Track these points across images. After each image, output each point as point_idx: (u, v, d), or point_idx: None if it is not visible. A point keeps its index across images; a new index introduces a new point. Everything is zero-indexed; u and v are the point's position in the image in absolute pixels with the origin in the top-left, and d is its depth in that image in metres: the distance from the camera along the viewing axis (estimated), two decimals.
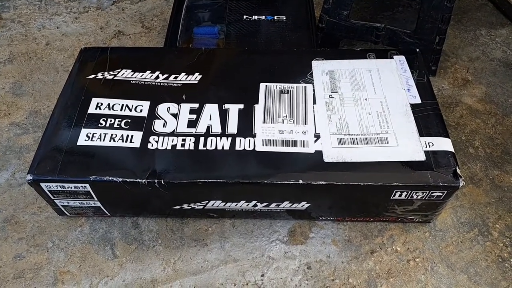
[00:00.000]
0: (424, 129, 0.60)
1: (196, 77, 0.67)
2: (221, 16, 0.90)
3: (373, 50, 0.72)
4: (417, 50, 0.72)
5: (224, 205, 0.59)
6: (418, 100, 0.64)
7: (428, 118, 0.62)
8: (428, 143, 0.59)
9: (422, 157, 0.57)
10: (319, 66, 0.69)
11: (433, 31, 0.81)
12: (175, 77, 0.67)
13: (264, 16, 0.86)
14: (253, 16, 0.86)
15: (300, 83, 0.67)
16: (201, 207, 0.60)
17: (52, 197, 0.58)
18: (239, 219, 0.64)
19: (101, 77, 0.66)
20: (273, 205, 0.59)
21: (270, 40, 0.82)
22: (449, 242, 0.63)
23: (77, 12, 1.02)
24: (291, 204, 0.59)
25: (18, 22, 0.99)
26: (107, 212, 0.62)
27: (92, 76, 0.66)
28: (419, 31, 0.82)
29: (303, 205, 0.59)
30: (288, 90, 0.66)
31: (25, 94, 0.83)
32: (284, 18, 0.86)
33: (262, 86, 0.66)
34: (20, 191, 0.68)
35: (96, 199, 0.58)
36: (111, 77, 0.66)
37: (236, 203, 0.59)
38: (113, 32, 0.97)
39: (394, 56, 0.70)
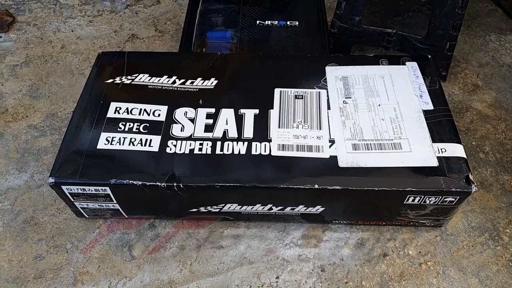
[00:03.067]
0: (437, 135, 0.61)
1: (212, 82, 0.69)
2: (234, 21, 0.92)
3: (385, 56, 0.73)
4: (429, 56, 0.73)
5: (240, 208, 0.61)
6: (430, 107, 0.65)
7: (440, 124, 0.63)
8: (441, 149, 0.60)
9: (435, 163, 0.58)
10: (332, 72, 0.70)
11: (444, 38, 0.82)
12: (192, 82, 0.68)
13: (277, 21, 0.87)
14: (266, 21, 0.87)
15: (314, 88, 0.68)
16: (218, 210, 0.61)
17: (72, 199, 0.59)
18: (253, 222, 0.66)
19: (119, 81, 0.68)
20: (288, 208, 0.60)
21: (283, 45, 0.83)
22: (460, 246, 0.64)
23: (91, 16, 1.03)
24: (306, 208, 0.60)
25: (33, 25, 1.00)
26: (124, 214, 0.64)
27: (110, 80, 0.68)
28: (430, 37, 0.83)
29: (318, 209, 0.60)
30: (302, 96, 0.67)
31: (41, 97, 0.85)
32: (297, 23, 0.87)
33: (276, 91, 0.67)
34: (39, 193, 0.69)
35: (115, 201, 0.60)
36: (129, 81, 0.68)
37: (252, 207, 0.60)
38: (127, 36, 0.98)
39: (407, 63, 0.71)
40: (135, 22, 1.02)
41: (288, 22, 0.88)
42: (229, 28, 0.91)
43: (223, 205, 0.60)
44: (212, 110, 0.64)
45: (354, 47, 0.93)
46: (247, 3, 0.92)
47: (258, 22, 0.87)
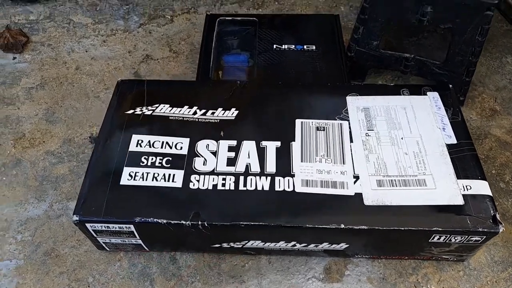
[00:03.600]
0: (461, 171, 0.61)
1: (233, 112, 0.68)
2: (250, 44, 0.91)
3: (406, 85, 0.72)
4: (450, 86, 0.72)
5: (263, 244, 0.60)
6: (453, 140, 0.64)
7: (464, 159, 0.62)
8: (466, 186, 0.59)
9: (460, 201, 0.58)
10: (354, 102, 0.70)
11: (463, 64, 0.82)
12: (212, 113, 0.68)
13: (293, 45, 0.87)
14: (283, 46, 0.87)
15: (336, 119, 0.67)
16: (240, 246, 0.61)
17: (95, 235, 0.59)
18: (275, 256, 0.65)
19: (140, 112, 0.67)
20: (311, 245, 0.60)
21: (300, 70, 0.82)
22: (484, 282, 0.63)
23: (104, 35, 1.03)
24: (330, 244, 0.60)
25: (48, 45, 1.00)
26: (146, 248, 0.63)
27: (131, 111, 0.67)
28: (448, 63, 0.83)
29: (342, 246, 0.60)
30: (324, 127, 0.66)
31: (58, 121, 0.84)
32: (314, 48, 0.86)
33: (297, 122, 0.67)
34: (59, 223, 0.69)
35: (138, 237, 0.59)
36: (149, 112, 0.67)
37: (275, 243, 0.60)
38: (141, 56, 0.98)
39: (428, 93, 0.71)
40: (149, 42, 1.02)
41: (305, 46, 0.87)
42: (245, 51, 0.91)
43: (246, 241, 0.60)
44: (234, 143, 0.64)
45: (371, 70, 0.93)
46: (263, 26, 0.91)
47: (275, 46, 0.87)
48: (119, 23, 1.06)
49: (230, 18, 0.94)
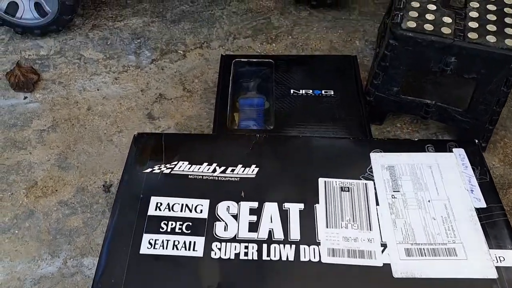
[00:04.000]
0: (493, 240, 0.58)
1: (253, 169, 0.66)
2: (266, 85, 0.90)
3: (431, 141, 0.71)
4: (476, 141, 0.70)
5: None
6: (483, 204, 0.62)
7: (495, 225, 0.60)
8: (499, 257, 0.57)
9: (494, 275, 0.55)
10: (378, 160, 0.68)
11: (487, 113, 0.80)
12: (232, 170, 0.66)
13: (311, 90, 0.85)
14: (300, 90, 0.85)
15: (360, 179, 0.65)
16: None
17: None
18: None
19: (158, 170, 0.65)
20: None
21: (319, 118, 0.80)
22: None
23: (116, 72, 1.01)
24: None
25: (59, 83, 0.98)
26: None
27: (149, 170, 0.65)
28: (471, 111, 0.81)
29: None
30: (348, 188, 0.64)
31: (70, 167, 0.82)
32: (332, 93, 0.84)
33: (321, 181, 0.65)
34: (73, 282, 0.67)
35: None
36: (168, 171, 0.65)
37: None
38: (154, 96, 0.96)
39: (454, 149, 0.69)
40: (161, 80, 1.00)
41: (323, 91, 0.85)
42: (261, 94, 0.89)
43: None
44: (255, 204, 0.62)
45: (390, 114, 0.91)
46: (279, 68, 0.89)
47: (292, 91, 0.85)
48: (130, 59, 1.05)
49: (246, 59, 0.92)
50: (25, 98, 0.94)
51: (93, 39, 1.09)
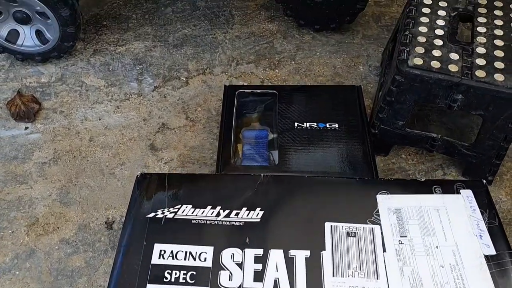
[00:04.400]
0: None
1: (258, 213, 0.65)
2: (270, 117, 0.89)
3: (438, 181, 0.69)
4: (484, 182, 0.69)
5: None
6: (492, 251, 0.61)
7: (505, 274, 0.59)
8: None
9: None
10: (384, 202, 0.67)
11: (494, 148, 0.79)
12: (237, 214, 0.65)
13: (315, 124, 0.84)
14: (304, 124, 0.84)
15: (367, 223, 0.64)
16: None
17: None
18: None
19: (161, 215, 0.64)
20: None
21: (324, 153, 0.79)
22: None
23: (118, 100, 1.00)
24: None
25: (60, 113, 0.97)
26: None
27: (152, 214, 0.64)
28: (478, 146, 0.80)
29: None
30: (355, 233, 0.63)
31: (72, 202, 0.81)
32: (337, 126, 0.83)
33: (327, 226, 0.64)
34: None
35: None
36: (171, 215, 0.64)
37: None
38: (157, 125, 0.95)
39: (461, 191, 0.68)
40: (164, 108, 0.99)
41: (327, 125, 0.84)
42: (265, 125, 0.88)
43: None
44: (260, 252, 0.61)
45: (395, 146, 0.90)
46: (283, 100, 0.88)
47: (296, 124, 0.84)
48: (132, 86, 1.04)
49: (250, 90, 0.91)
50: (26, 128, 0.93)
51: (94, 65, 1.08)
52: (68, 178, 0.85)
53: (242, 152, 0.85)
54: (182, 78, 1.06)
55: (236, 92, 0.91)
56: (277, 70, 1.08)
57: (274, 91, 0.91)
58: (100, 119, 0.96)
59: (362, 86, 0.92)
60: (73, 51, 1.10)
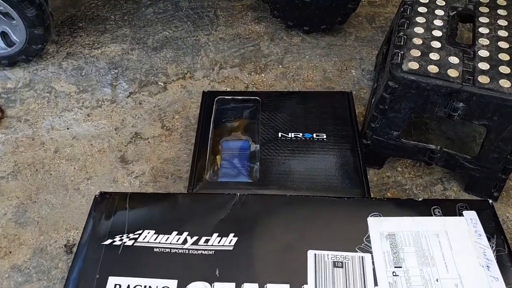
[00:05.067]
0: None
1: (231, 240, 0.57)
2: (252, 126, 0.81)
3: (437, 201, 0.61)
4: (490, 202, 0.61)
5: None
6: (501, 285, 0.52)
7: None
8: None
9: None
10: (376, 226, 0.58)
11: (499, 161, 0.70)
12: (206, 241, 0.57)
13: (301, 134, 0.76)
14: (289, 134, 0.76)
15: (356, 251, 0.56)
16: None
17: None
18: None
19: (119, 242, 0.56)
20: None
21: (310, 168, 0.71)
22: None
23: (89, 107, 0.92)
24: None
25: (24, 121, 0.89)
26: None
27: (109, 241, 0.56)
28: (481, 159, 0.72)
29: None
30: (342, 263, 0.55)
31: (29, 223, 0.73)
32: (325, 137, 0.75)
33: (310, 255, 0.55)
34: None
35: None
36: (130, 242, 0.56)
37: None
38: (129, 135, 0.87)
39: (464, 212, 0.60)
40: (138, 116, 0.91)
41: (314, 135, 0.76)
42: (246, 135, 0.81)
43: None
44: (232, 286, 0.52)
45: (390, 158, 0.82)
46: (266, 107, 0.80)
47: (280, 134, 0.76)
48: (105, 92, 0.96)
49: (230, 97, 0.83)
50: None
51: (66, 69, 1.00)
52: (28, 194, 0.77)
53: (220, 167, 0.77)
54: (160, 83, 0.98)
55: (215, 99, 0.83)
56: (263, 75, 1.00)
57: (257, 97, 0.83)
58: (68, 128, 0.88)
59: (354, 92, 0.85)
60: (44, 54, 1.02)
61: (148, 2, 1.18)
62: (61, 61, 1.02)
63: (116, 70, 1.00)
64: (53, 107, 0.92)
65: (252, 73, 1.00)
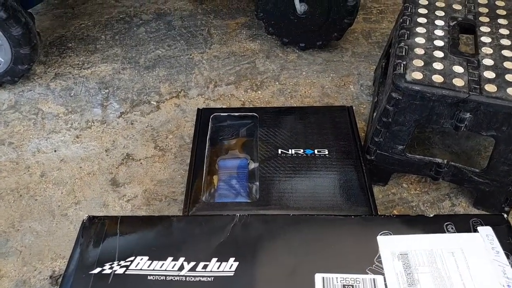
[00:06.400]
0: None
1: (231, 265, 0.52)
2: (250, 144, 0.77)
3: (450, 217, 0.58)
4: (505, 216, 0.58)
5: None
6: None
7: None
8: None
9: None
10: (387, 246, 0.54)
11: (510, 174, 0.67)
12: (205, 266, 0.52)
13: (302, 150, 0.73)
14: (290, 150, 0.73)
15: (367, 273, 0.52)
16: None
17: None
18: None
19: (109, 271, 0.51)
20: None
21: (312, 185, 0.67)
22: None
23: (78, 128, 0.89)
24: None
25: (8, 144, 0.84)
26: None
27: (97, 270, 0.51)
28: (491, 172, 0.69)
29: None
30: (353, 286, 0.51)
31: (11, 253, 0.68)
32: (327, 152, 0.72)
33: (318, 278, 0.51)
34: None
35: None
36: (121, 270, 0.51)
37: None
38: (120, 156, 0.83)
39: (479, 228, 0.56)
40: (130, 137, 0.87)
41: (315, 151, 0.73)
42: (244, 152, 0.77)
43: None
44: None
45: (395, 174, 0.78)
46: (264, 123, 0.77)
47: (280, 151, 0.72)
48: (96, 112, 0.92)
49: (226, 113, 0.80)
50: None
51: (54, 90, 0.97)
52: (10, 222, 0.71)
53: (217, 186, 0.73)
54: (152, 102, 0.95)
55: (211, 116, 0.80)
56: (259, 92, 0.98)
57: (254, 113, 0.80)
58: (55, 151, 0.83)
59: (353, 107, 0.82)
60: (30, 75, 0.99)
61: (140, 22, 1.17)
62: (49, 82, 0.98)
63: (107, 90, 0.97)
64: (39, 129, 0.88)
65: (249, 90, 0.98)
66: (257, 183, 0.70)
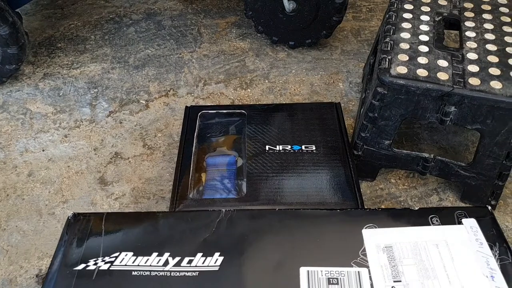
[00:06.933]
0: None
1: (216, 259, 0.52)
2: (238, 141, 0.77)
3: (434, 210, 0.58)
4: (489, 208, 0.58)
5: None
6: None
7: None
8: None
9: None
10: (372, 239, 0.55)
11: (495, 167, 0.68)
12: (190, 261, 0.52)
13: (289, 146, 0.73)
14: (277, 146, 0.73)
15: (352, 266, 0.52)
16: None
17: None
18: None
19: (93, 267, 0.51)
20: None
21: (300, 181, 0.67)
22: None
23: (67, 128, 0.88)
24: None
25: None
26: None
27: (81, 266, 0.51)
28: (477, 165, 0.69)
29: None
30: (337, 279, 0.51)
31: None
32: (314, 148, 0.72)
33: (303, 272, 0.51)
34: None
35: None
36: (106, 266, 0.51)
37: None
38: (109, 155, 0.83)
39: (463, 220, 0.57)
40: (119, 135, 0.87)
41: (303, 147, 0.73)
42: (232, 150, 0.77)
43: None
44: None
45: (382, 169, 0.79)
46: (252, 120, 0.77)
47: (267, 147, 0.72)
48: (84, 112, 0.92)
49: (214, 111, 0.80)
50: None
51: (43, 90, 0.96)
52: None
53: (205, 184, 0.73)
54: (141, 101, 0.94)
55: (199, 114, 0.80)
56: (249, 90, 0.98)
57: (242, 111, 0.80)
58: (43, 150, 0.83)
59: (342, 104, 0.83)
60: (19, 75, 0.98)
61: (130, 22, 1.17)
62: (38, 82, 0.98)
63: (96, 90, 0.97)
64: (27, 128, 0.87)
65: (238, 89, 0.98)
66: (245, 182, 0.70)
